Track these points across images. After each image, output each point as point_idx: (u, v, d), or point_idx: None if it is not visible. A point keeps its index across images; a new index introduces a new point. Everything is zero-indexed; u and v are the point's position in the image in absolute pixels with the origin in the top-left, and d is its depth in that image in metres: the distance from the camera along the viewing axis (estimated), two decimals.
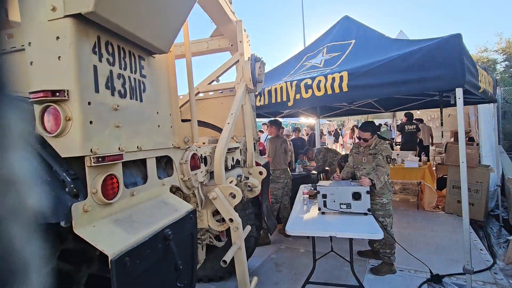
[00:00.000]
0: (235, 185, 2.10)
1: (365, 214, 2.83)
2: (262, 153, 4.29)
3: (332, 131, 14.00)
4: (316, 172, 4.83)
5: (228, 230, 2.40)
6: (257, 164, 2.97)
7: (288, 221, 2.85)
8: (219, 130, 2.96)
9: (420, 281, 2.96)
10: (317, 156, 5.64)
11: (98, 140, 1.05)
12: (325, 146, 6.79)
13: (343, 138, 13.30)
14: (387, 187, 3.19)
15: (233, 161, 2.61)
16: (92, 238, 0.95)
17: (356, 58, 3.54)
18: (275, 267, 3.51)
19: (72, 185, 0.98)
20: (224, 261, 1.66)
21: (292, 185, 4.54)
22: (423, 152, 5.50)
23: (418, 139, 7.03)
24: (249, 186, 2.56)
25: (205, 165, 2.01)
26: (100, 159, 1.03)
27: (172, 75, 1.63)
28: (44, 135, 1.01)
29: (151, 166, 1.37)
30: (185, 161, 1.63)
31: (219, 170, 1.92)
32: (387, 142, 3.47)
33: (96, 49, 1.09)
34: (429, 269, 3.03)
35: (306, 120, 14.16)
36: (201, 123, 3.00)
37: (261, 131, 8.92)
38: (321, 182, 3.36)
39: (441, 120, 3.49)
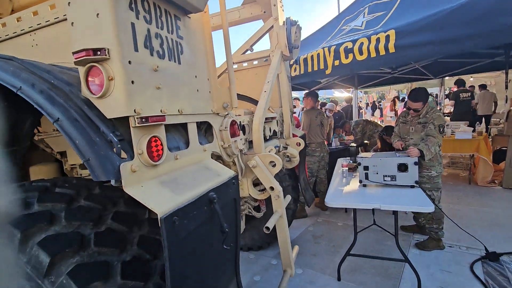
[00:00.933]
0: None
1: (412, 186, 2.65)
2: (296, 126, 4.15)
3: (371, 102, 13.16)
4: (355, 145, 4.60)
5: (267, 200, 2.39)
6: (294, 136, 2.86)
7: (327, 193, 2.76)
8: (254, 102, 2.88)
9: (472, 258, 2.73)
10: (355, 129, 5.36)
11: (141, 101, 1.03)
12: (363, 119, 6.41)
13: (381, 111, 12.47)
14: (437, 159, 2.92)
15: (270, 132, 2.54)
16: (141, 197, 0.95)
17: (404, 15, 3.14)
18: (313, 239, 3.50)
19: (119, 145, 0.98)
20: (267, 228, 1.65)
21: (329, 159, 4.38)
22: (477, 122, 4.93)
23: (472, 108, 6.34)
24: (287, 156, 2.49)
25: (244, 134, 1.96)
26: (143, 119, 1.01)
27: (208, 37, 1.56)
28: (90, 96, 1.01)
29: (192, 131, 1.35)
30: (225, 127, 1.59)
31: (258, 138, 1.87)
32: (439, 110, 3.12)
33: (133, 5, 1.04)
34: (484, 246, 2.79)
35: (340, 94, 13.43)
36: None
37: (294, 106, 8.68)
38: (361, 154, 3.18)
39: (506, 82, 3.01)
